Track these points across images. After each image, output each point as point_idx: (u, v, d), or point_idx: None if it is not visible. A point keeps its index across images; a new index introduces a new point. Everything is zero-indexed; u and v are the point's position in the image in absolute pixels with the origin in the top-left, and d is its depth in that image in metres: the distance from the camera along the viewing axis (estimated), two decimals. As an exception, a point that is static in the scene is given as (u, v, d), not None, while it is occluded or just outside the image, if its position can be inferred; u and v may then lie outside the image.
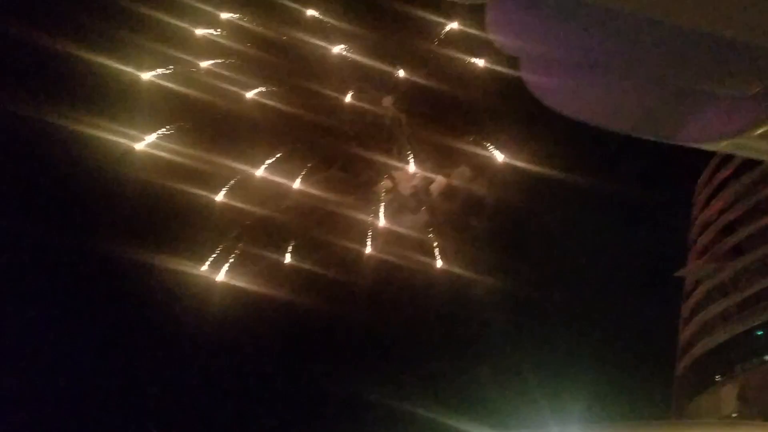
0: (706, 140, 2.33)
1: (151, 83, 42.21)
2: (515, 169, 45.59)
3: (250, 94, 44.19)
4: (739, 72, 2.12)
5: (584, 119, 2.51)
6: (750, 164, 55.15)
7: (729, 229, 59.91)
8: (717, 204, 61.38)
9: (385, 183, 47.03)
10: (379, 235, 47.54)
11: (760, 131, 2.26)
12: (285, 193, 45.99)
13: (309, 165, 45.78)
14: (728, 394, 53.12)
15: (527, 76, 2.57)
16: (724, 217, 60.41)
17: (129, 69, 41.59)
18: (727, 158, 58.63)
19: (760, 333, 54.24)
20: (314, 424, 62.76)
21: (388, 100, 45.42)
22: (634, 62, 2.18)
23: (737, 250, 58.54)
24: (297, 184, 45.82)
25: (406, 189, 47.26)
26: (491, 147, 45.02)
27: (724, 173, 60.11)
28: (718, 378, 55.51)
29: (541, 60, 2.52)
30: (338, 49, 43.86)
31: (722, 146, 2.36)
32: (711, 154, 60.19)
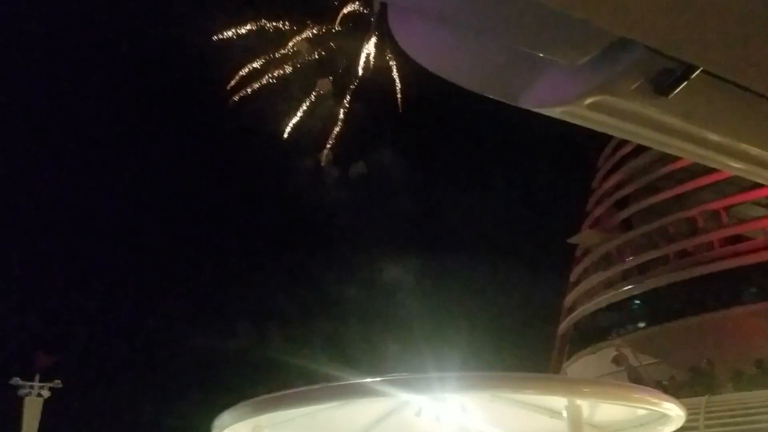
0: (543, 106, 2.44)
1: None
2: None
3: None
4: (569, 42, 2.22)
5: (441, 74, 2.58)
6: (649, 144, 57.55)
7: (622, 203, 62.88)
8: (615, 178, 64.13)
9: None
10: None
11: (588, 101, 2.38)
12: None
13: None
14: (602, 356, 56.49)
15: (393, 24, 2.60)
16: (619, 192, 63.27)
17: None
18: (630, 136, 60.83)
19: (637, 302, 57.73)
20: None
21: None
22: (483, 21, 2.24)
23: (627, 224, 61.69)
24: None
25: None
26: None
27: (625, 150, 62.61)
28: (594, 341, 58.90)
29: (406, 9, 2.56)
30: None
31: (558, 113, 2.47)
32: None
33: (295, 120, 50.72)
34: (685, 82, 2.27)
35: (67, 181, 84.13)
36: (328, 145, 56.57)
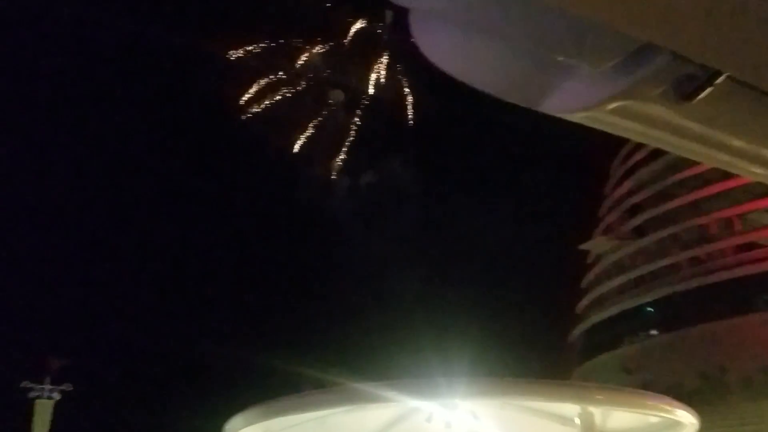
0: (564, 112, 2.43)
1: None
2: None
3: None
4: (594, 47, 2.21)
5: (463, 79, 2.58)
6: (661, 151, 57.38)
7: (635, 210, 62.62)
8: (627, 185, 63.88)
9: None
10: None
11: (611, 107, 2.37)
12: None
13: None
14: (613, 363, 56.20)
15: (416, 30, 2.60)
16: (632, 199, 63.02)
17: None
18: (642, 143, 60.68)
19: (649, 309, 57.41)
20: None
21: None
22: (508, 27, 2.24)
23: (639, 231, 61.40)
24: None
25: None
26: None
27: (638, 157, 62.39)
28: (606, 348, 58.62)
29: (428, 15, 2.56)
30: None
31: (580, 118, 2.46)
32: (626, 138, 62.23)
33: (306, 134, 51.16)
34: (710, 88, 2.26)
35: (86, 189, 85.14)
36: (338, 157, 57.06)
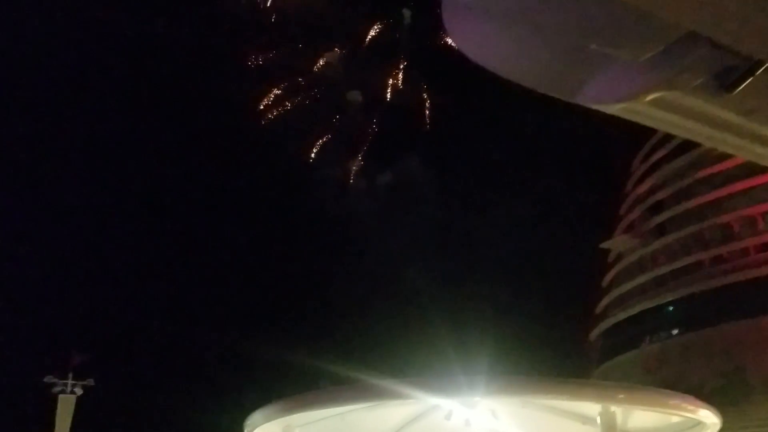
0: (601, 102, 2.40)
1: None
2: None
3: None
4: (634, 37, 2.18)
5: (497, 71, 2.55)
6: (684, 147, 56.83)
7: (657, 207, 61.96)
8: (649, 182, 63.22)
9: None
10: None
11: (650, 97, 2.33)
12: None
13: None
14: (634, 363, 55.73)
15: (447, 20, 2.58)
16: (654, 196, 62.36)
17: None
18: (665, 139, 60.18)
19: (670, 308, 56.83)
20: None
21: None
22: (548, 18, 2.22)
23: (661, 229, 60.76)
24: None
25: None
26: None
27: (660, 153, 61.73)
28: (627, 347, 58.11)
29: (461, 4, 2.55)
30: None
31: (616, 110, 2.43)
32: (649, 134, 61.71)
33: (325, 136, 51.39)
34: (751, 78, 2.22)
35: (110, 188, 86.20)
36: (357, 158, 57.35)
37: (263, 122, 51.12)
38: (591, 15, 2.10)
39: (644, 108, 2.39)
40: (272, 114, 50.51)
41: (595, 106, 2.46)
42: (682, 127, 2.61)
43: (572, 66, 2.38)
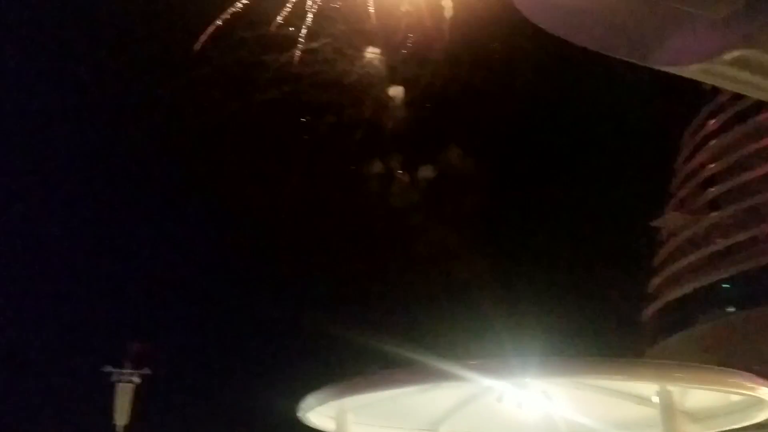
0: (676, 63, 2.27)
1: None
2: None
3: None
4: None
5: (562, 34, 2.45)
6: (739, 118, 55.19)
7: (709, 182, 60.38)
8: (701, 156, 61.58)
9: None
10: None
11: (730, 57, 2.20)
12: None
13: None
14: (689, 342, 54.69)
15: None
16: (705, 171, 60.77)
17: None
18: (717, 111, 58.50)
19: (725, 286, 55.51)
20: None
21: None
22: None
23: (714, 205, 59.24)
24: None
25: None
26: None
27: (713, 126, 60.07)
28: (681, 326, 57.04)
29: None
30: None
31: (692, 71, 2.30)
32: (699, 106, 60.08)
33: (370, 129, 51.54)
34: None
35: (163, 183, 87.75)
36: (398, 151, 57.42)
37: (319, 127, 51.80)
38: None
39: (724, 69, 2.25)
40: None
41: (669, 69, 2.33)
42: (764, 89, 2.46)
43: (647, 26, 2.26)
